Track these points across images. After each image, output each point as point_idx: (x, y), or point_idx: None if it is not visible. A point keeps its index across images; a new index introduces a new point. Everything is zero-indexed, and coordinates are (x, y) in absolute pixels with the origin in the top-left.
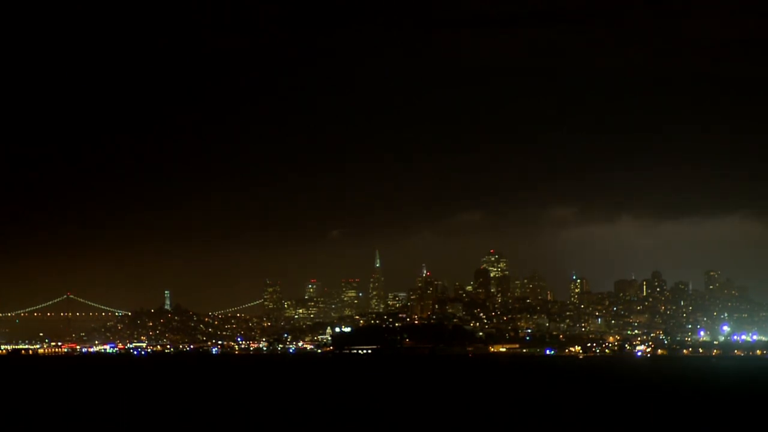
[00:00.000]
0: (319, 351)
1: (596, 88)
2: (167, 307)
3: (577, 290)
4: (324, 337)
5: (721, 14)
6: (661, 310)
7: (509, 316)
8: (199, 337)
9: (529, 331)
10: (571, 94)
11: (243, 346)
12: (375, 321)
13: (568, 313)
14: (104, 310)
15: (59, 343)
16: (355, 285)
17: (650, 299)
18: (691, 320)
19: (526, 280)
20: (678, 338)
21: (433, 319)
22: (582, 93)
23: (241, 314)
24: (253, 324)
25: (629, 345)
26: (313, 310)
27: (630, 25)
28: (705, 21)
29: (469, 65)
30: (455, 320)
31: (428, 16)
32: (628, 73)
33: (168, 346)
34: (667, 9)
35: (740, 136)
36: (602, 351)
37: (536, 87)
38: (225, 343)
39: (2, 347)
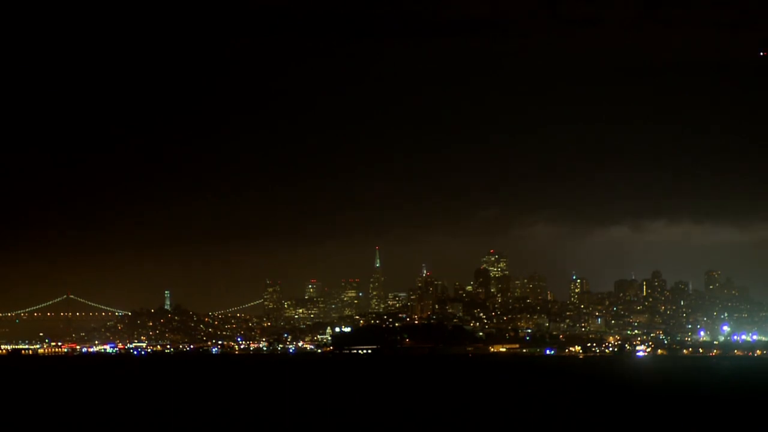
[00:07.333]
0: (319, 351)
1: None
2: (167, 307)
3: (577, 290)
4: (324, 337)
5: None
6: (661, 310)
7: (509, 316)
8: (199, 337)
9: (529, 331)
10: (569, 94)
11: (243, 346)
12: (375, 321)
13: (568, 313)
14: (104, 310)
15: (59, 343)
16: (355, 285)
17: (650, 299)
18: (691, 320)
19: (526, 280)
20: (678, 338)
21: (433, 319)
22: (584, 92)
23: (241, 314)
24: (253, 324)
25: (629, 345)
26: (313, 310)
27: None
28: None
29: (457, 64)
30: (455, 320)
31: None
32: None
33: (168, 346)
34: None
35: (738, 136)
36: (602, 351)
37: (535, 85)
38: (225, 343)
39: (2, 347)
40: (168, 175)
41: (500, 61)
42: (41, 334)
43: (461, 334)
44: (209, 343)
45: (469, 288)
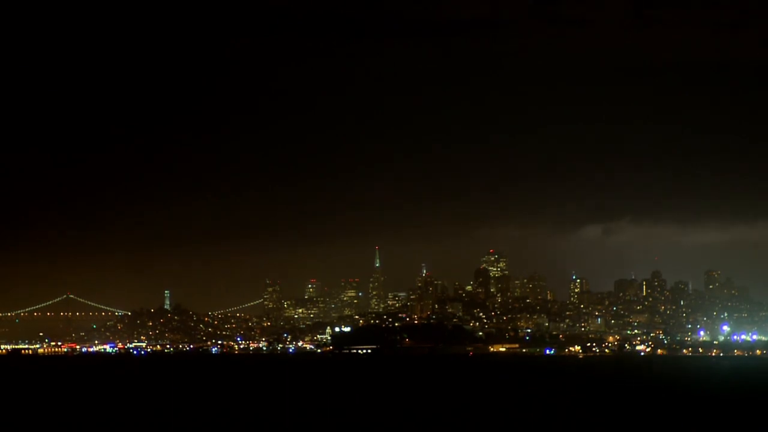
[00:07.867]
0: (319, 351)
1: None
2: (167, 307)
3: (577, 290)
4: (324, 336)
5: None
6: (661, 310)
7: (509, 316)
8: (199, 336)
9: (529, 330)
10: (569, 94)
11: (243, 345)
12: (375, 321)
13: (568, 313)
14: (104, 310)
15: (59, 343)
16: (355, 285)
17: (650, 299)
18: (691, 320)
19: (526, 280)
20: (678, 338)
21: (433, 319)
22: (584, 92)
23: (241, 314)
24: (253, 324)
25: (629, 345)
26: (313, 310)
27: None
28: None
29: (457, 64)
30: (455, 320)
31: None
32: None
33: (168, 346)
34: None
35: (738, 136)
36: (602, 351)
37: (535, 85)
38: (225, 342)
39: (2, 347)
40: (168, 175)
41: (500, 61)
42: (41, 333)
43: (461, 333)
44: (209, 342)
45: (468, 288)
